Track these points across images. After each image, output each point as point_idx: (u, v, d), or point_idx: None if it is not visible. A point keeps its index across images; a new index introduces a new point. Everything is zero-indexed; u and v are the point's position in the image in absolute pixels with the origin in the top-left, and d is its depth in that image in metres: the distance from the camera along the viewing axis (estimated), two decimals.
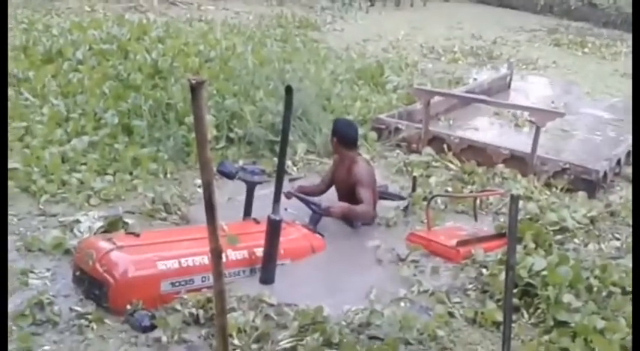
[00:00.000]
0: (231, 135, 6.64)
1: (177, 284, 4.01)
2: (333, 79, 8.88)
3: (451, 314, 4.15)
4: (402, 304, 4.23)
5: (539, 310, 4.18)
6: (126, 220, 4.92)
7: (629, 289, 4.43)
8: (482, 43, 13.33)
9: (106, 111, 6.49)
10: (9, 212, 4.88)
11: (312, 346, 3.63)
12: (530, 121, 7.89)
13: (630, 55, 13.08)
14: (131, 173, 5.77)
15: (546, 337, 3.94)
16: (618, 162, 7.02)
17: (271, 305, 4.04)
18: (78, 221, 4.89)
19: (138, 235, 4.26)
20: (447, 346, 3.85)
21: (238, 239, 4.13)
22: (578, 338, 3.88)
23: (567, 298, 4.18)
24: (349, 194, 5.17)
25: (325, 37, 12.30)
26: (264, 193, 4.85)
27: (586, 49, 13.59)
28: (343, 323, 3.91)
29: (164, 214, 5.21)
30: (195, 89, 2.45)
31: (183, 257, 4.08)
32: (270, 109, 6.79)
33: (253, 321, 3.81)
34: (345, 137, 5.27)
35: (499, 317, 3.97)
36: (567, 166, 6.49)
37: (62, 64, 7.53)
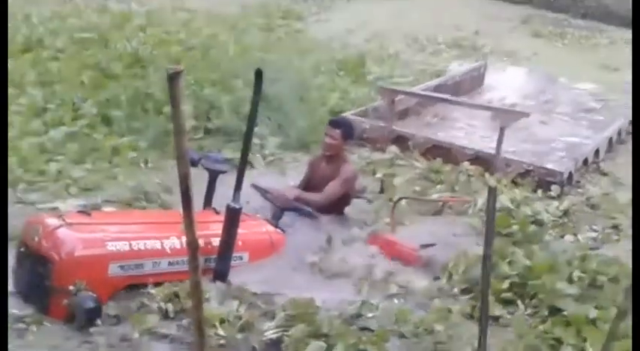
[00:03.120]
0: (209, 125, 6.67)
1: (126, 268, 3.82)
2: (313, 70, 8.90)
3: (448, 310, 4.11)
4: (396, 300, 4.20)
5: (534, 300, 4.20)
6: (105, 209, 4.93)
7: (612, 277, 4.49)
8: (464, 34, 13.37)
9: (84, 101, 6.50)
10: None
11: (298, 337, 3.57)
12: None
13: (609, 48, 13.24)
14: (111, 162, 5.79)
15: (541, 328, 3.96)
16: (585, 161, 7.04)
17: (254, 294, 4.00)
18: (56, 208, 4.90)
19: (89, 214, 4.08)
20: (443, 340, 3.78)
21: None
22: (571, 327, 3.91)
23: (561, 285, 4.25)
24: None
25: (309, 28, 12.29)
26: None
27: (566, 41, 13.70)
28: (335, 314, 3.87)
29: (144, 203, 5.22)
30: (172, 79, 2.39)
31: (135, 240, 3.89)
32: (248, 100, 6.79)
33: (237, 310, 3.77)
34: (351, 133, 5.35)
35: (497, 311, 4.00)
36: (531, 167, 6.48)
37: (41, 53, 7.51)
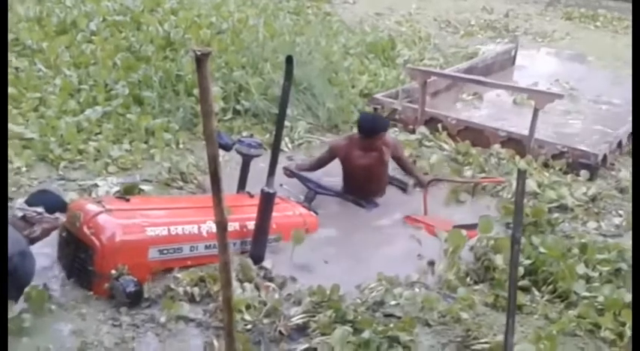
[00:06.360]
0: (238, 107, 6.74)
1: (165, 252, 3.91)
2: (343, 52, 8.92)
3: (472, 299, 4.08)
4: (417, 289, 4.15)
5: (550, 286, 4.20)
6: (143, 187, 5.04)
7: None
8: (495, 17, 13.24)
9: (117, 82, 6.61)
10: (28, 177, 5.10)
11: (324, 322, 3.60)
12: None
13: None
14: (146, 143, 5.91)
15: (572, 313, 3.95)
16: (619, 144, 6.95)
17: (271, 279, 4.04)
18: (96, 185, 5.05)
19: (128, 200, 4.15)
20: (472, 328, 3.76)
21: (230, 211, 3.99)
22: (608, 313, 3.88)
23: (581, 269, 4.23)
24: (374, 174, 5.33)
25: (338, 10, 12.26)
26: None
27: (598, 23, 13.50)
28: (358, 301, 3.90)
29: (180, 183, 5.32)
30: (200, 60, 2.41)
31: (173, 225, 3.99)
32: (276, 82, 6.85)
33: (259, 296, 3.82)
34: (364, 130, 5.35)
35: (521, 299, 3.97)
36: (565, 149, 6.43)
37: (76, 35, 7.62)
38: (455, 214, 5.37)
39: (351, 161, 5.39)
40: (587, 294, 4.12)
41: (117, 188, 4.93)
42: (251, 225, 4.26)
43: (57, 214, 3.71)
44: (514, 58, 10.26)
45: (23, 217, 3.59)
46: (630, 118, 7.45)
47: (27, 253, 3.49)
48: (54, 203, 3.73)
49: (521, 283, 4.18)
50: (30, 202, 3.66)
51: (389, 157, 5.41)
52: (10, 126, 5.53)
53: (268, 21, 9.35)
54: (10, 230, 3.45)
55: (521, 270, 4.19)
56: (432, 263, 4.41)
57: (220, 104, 6.56)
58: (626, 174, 6.40)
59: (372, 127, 5.32)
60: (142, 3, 8.71)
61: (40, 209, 3.62)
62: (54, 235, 4.00)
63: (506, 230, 4.91)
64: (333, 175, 5.58)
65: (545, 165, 6.38)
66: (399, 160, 5.57)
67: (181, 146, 6.05)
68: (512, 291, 3.13)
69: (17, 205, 3.64)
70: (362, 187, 5.38)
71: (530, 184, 5.65)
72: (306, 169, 5.46)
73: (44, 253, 3.99)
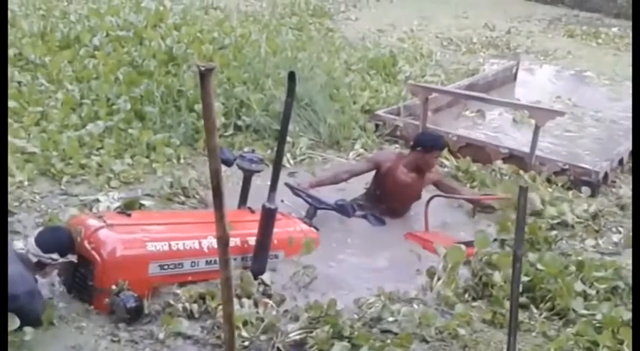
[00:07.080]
0: (239, 123, 6.75)
1: (165, 267, 3.92)
2: (345, 68, 8.94)
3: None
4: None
5: (548, 304, 4.20)
6: (144, 202, 5.04)
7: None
8: (496, 34, 13.30)
9: (118, 97, 6.62)
10: (30, 191, 5.10)
11: (322, 338, 3.59)
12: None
13: None
14: (148, 157, 5.91)
15: (570, 331, 3.95)
16: (620, 161, 6.96)
17: (269, 296, 4.04)
18: (98, 201, 5.04)
19: (129, 215, 4.15)
20: (469, 345, 3.76)
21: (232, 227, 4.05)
22: (606, 330, 3.87)
23: (579, 286, 4.24)
24: (410, 195, 5.40)
25: (339, 26, 12.32)
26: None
27: (600, 41, 13.57)
28: (355, 317, 3.89)
29: (182, 198, 5.32)
30: (204, 76, 2.43)
31: (174, 240, 3.99)
32: (278, 98, 6.86)
33: (257, 312, 3.82)
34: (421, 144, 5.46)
35: (520, 317, 3.87)
36: (566, 166, 6.45)
37: (79, 50, 7.65)
38: (458, 230, 5.36)
39: (392, 176, 5.39)
40: (585, 312, 4.13)
41: (118, 204, 4.92)
42: (252, 241, 4.25)
43: (69, 256, 3.71)
44: (515, 74, 10.29)
45: (38, 263, 3.61)
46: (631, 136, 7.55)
47: (35, 292, 3.51)
48: (66, 246, 3.72)
49: (519, 300, 4.16)
50: (41, 243, 3.64)
51: (428, 184, 5.49)
52: (12, 140, 5.53)
53: (271, 37, 9.39)
54: (20, 268, 3.46)
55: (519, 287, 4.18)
56: (431, 275, 4.40)
57: (222, 120, 6.56)
58: (627, 191, 6.40)
59: (430, 142, 5.44)
60: (146, 18, 8.76)
61: (54, 255, 3.63)
62: None
63: (502, 246, 4.90)
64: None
65: (548, 180, 6.38)
66: (439, 184, 5.60)
67: (182, 161, 6.04)
68: (513, 308, 3.12)
69: (31, 249, 3.62)
70: (391, 205, 5.40)
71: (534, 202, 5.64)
72: (329, 183, 5.44)
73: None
